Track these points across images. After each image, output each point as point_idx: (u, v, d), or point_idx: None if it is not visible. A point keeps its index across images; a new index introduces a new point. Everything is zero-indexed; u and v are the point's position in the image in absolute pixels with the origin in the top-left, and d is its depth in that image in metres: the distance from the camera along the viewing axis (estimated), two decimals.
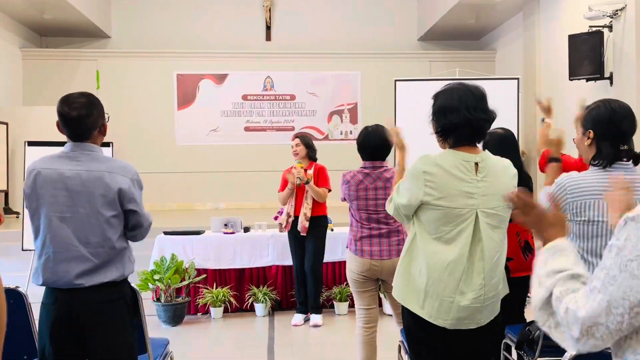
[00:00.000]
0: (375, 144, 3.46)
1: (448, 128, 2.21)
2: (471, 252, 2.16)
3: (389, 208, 2.37)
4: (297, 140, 5.18)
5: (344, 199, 3.58)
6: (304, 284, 5.27)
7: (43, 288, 2.44)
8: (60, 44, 11.21)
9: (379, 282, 3.55)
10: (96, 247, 2.35)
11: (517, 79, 8.66)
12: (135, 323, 2.55)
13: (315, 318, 5.16)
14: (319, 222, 5.15)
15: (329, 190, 5.15)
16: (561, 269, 1.32)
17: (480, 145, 2.31)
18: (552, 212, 1.51)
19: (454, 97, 2.21)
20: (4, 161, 9.10)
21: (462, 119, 2.17)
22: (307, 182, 5.00)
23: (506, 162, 2.30)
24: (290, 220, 5.12)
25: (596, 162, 2.26)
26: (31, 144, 6.52)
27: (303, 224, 5.04)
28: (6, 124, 9.25)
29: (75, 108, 2.36)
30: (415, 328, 2.25)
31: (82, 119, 2.37)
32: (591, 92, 7.36)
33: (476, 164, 2.18)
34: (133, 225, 2.47)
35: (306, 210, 5.04)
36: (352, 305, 5.57)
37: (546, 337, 2.83)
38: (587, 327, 1.18)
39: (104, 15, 11.06)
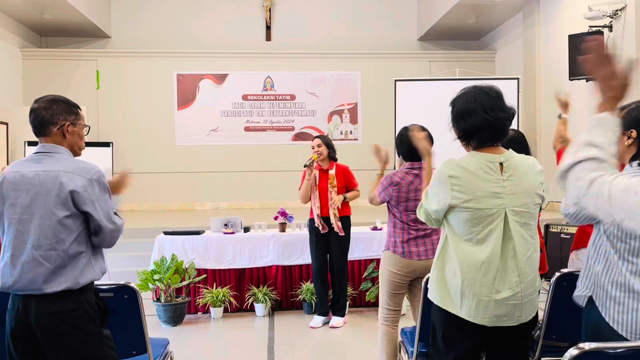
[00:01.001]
0: None
1: (469, 132, 2.23)
2: (503, 251, 2.18)
3: (420, 214, 2.38)
4: (319, 141, 5.18)
5: (387, 201, 3.50)
6: (326, 284, 5.26)
7: None
8: (60, 44, 11.21)
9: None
10: (48, 249, 2.28)
11: (517, 79, 8.66)
12: (103, 331, 2.41)
13: (337, 320, 5.13)
14: (345, 222, 5.16)
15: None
16: (598, 144, 1.78)
17: None
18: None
19: (470, 100, 2.23)
20: (3, 161, 9.10)
21: (480, 121, 2.19)
22: (345, 199, 5.07)
23: (531, 160, 2.33)
24: (321, 221, 5.11)
25: (639, 161, 2.25)
26: (31, 144, 6.54)
27: (337, 224, 5.05)
28: (6, 124, 9.26)
29: (37, 102, 2.42)
30: (450, 328, 2.25)
31: (38, 111, 2.39)
32: (591, 92, 7.37)
33: (501, 163, 2.21)
34: (94, 229, 2.36)
35: (335, 210, 5.05)
36: (352, 306, 5.60)
37: (546, 337, 2.83)
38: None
39: (104, 15, 11.06)
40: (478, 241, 2.18)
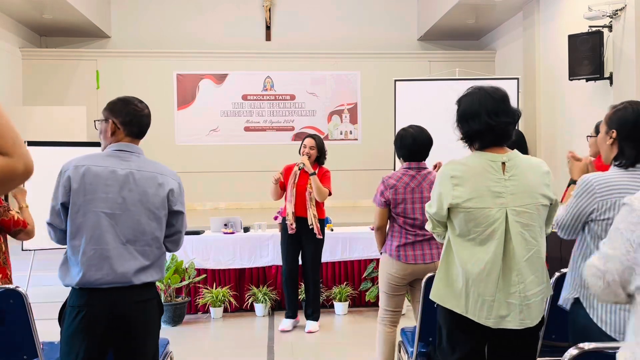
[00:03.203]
0: (426, 143, 3.40)
1: (471, 135, 2.24)
2: (505, 251, 2.18)
3: (428, 226, 2.40)
4: (312, 142, 4.95)
5: (385, 204, 3.40)
6: (296, 287, 5.18)
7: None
8: (60, 44, 11.20)
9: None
10: (144, 245, 2.37)
11: (517, 79, 8.65)
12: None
13: (312, 325, 5.04)
14: (320, 225, 4.99)
15: (330, 194, 4.95)
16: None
17: None
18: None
19: (474, 103, 2.23)
20: None
21: (483, 125, 2.19)
22: (314, 174, 4.82)
23: (536, 160, 2.32)
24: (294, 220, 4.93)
25: (618, 162, 2.25)
26: (31, 144, 6.52)
27: (317, 226, 4.86)
28: None
29: (146, 107, 2.53)
30: (456, 328, 2.25)
31: (149, 117, 2.53)
32: (591, 92, 7.36)
33: (503, 163, 2.20)
34: (177, 229, 2.50)
35: (314, 211, 4.87)
36: (352, 306, 5.60)
37: (546, 337, 2.83)
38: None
39: (104, 15, 11.05)
40: (481, 241, 2.18)
